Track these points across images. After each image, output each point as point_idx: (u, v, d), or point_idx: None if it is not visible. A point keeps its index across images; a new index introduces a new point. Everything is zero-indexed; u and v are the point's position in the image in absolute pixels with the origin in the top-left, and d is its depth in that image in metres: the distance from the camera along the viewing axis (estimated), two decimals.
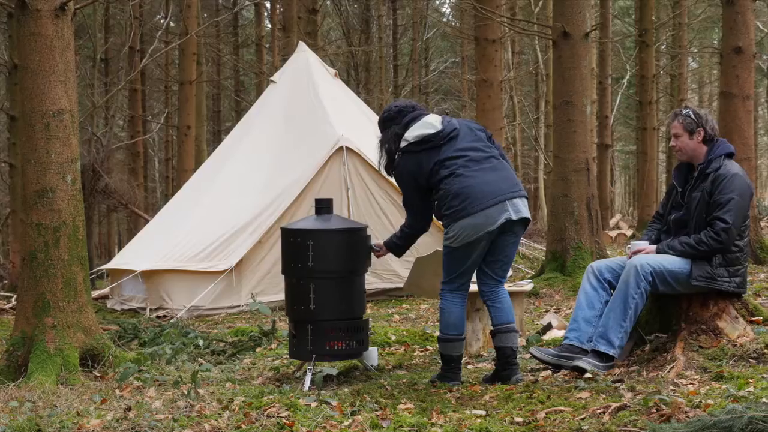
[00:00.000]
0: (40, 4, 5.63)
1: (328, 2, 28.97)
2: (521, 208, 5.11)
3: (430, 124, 5.18)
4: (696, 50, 28.83)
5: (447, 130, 5.17)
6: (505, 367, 5.17)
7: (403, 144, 5.21)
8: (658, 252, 5.20)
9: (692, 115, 5.26)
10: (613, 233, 19.37)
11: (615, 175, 38.17)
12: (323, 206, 5.66)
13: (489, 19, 12.74)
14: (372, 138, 11.53)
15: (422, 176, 5.14)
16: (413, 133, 5.18)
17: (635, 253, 5.27)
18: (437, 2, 31.60)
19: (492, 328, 5.30)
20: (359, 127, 11.36)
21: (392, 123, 5.30)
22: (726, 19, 10.02)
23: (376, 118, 12.80)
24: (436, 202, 5.17)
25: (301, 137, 10.98)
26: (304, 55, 12.08)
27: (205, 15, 26.07)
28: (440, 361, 5.34)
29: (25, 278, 5.75)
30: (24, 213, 5.77)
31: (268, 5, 25.60)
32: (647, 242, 5.37)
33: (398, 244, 5.45)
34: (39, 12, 5.64)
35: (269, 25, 25.24)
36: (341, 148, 10.46)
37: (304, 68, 11.84)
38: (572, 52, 9.39)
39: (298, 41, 13.96)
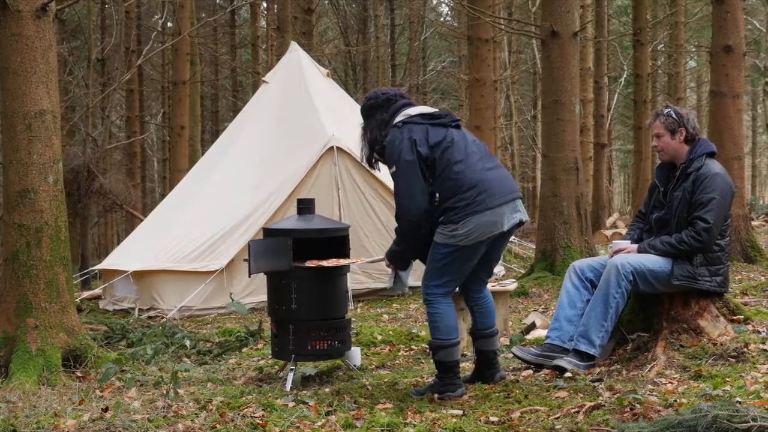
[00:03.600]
0: (21, 4, 5.63)
1: (326, 2, 28.99)
2: (524, 209, 4.96)
3: (430, 109, 4.94)
4: (694, 49, 28.81)
5: (452, 116, 4.93)
6: (489, 368, 5.10)
7: (401, 118, 4.80)
8: (639, 251, 5.20)
9: (673, 115, 5.26)
10: (609, 232, 19.33)
11: (613, 174, 38.17)
12: (305, 206, 5.66)
13: (480, 19, 12.74)
14: None
15: (427, 145, 4.68)
16: (415, 111, 4.85)
17: (617, 252, 5.27)
18: (434, 2, 31.61)
19: (473, 330, 5.16)
20: (351, 127, 11.32)
21: (378, 111, 4.92)
22: (716, 18, 10.02)
23: None
24: (437, 193, 4.68)
25: (292, 137, 10.99)
26: (296, 55, 12.08)
27: (203, 15, 26.09)
28: (436, 371, 4.88)
29: (8, 279, 5.74)
30: (6, 213, 5.76)
31: (264, 5, 25.60)
32: (629, 241, 5.37)
33: (397, 250, 4.87)
34: (20, 13, 5.63)
35: (265, 25, 25.25)
36: (332, 148, 10.47)
37: (296, 68, 11.84)
38: (561, 51, 9.38)
39: (291, 41, 13.96)
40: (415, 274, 10.88)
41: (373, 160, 5.04)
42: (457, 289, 5.06)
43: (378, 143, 4.90)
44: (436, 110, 4.95)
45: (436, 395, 4.75)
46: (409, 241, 4.80)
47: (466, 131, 5.00)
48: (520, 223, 4.91)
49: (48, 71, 5.77)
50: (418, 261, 5.05)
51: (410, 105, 4.96)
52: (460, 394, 4.79)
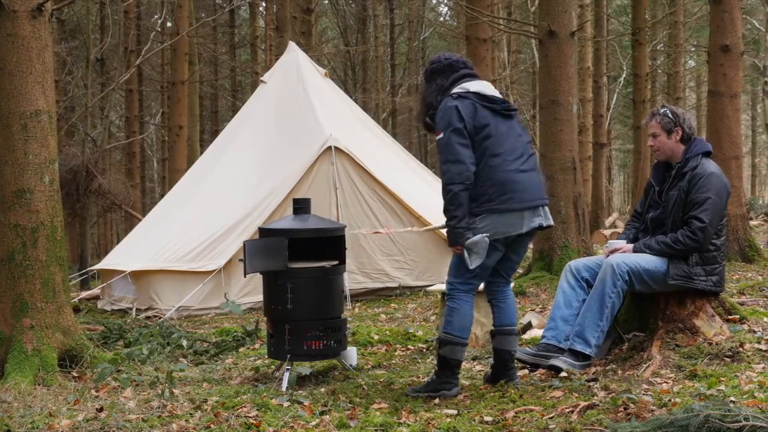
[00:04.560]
0: (17, 4, 5.62)
1: (326, 1, 28.99)
2: (548, 215, 4.92)
3: (492, 89, 4.89)
4: (693, 48, 28.80)
5: (506, 102, 4.88)
6: (505, 371, 4.97)
7: (458, 90, 4.80)
8: (635, 251, 5.21)
9: (670, 115, 5.26)
10: (608, 232, 19.31)
11: (613, 174, 38.14)
12: (301, 206, 5.66)
13: (478, 18, 12.74)
14: (362, 138, 11.62)
15: (473, 123, 4.68)
16: (475, 87, 4.82)
17: (612, 251, 5.28)
18: (434, 2, 31.60)
19: (492, 328, 5.09)
20: (349, 126, 11.37)
21: (439, 76, 4.91)
22: (713, 18, 10.01)
23: (366, 117, 12.89)
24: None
25: (290, 137, 10.99)
26: (294, 55, 12.09)
27: (203, 14, 26.07)
28: (437, 366, 4.91)
29: (4, 279, 5.73)
30: (2, 214, 5.75)
31: (263, 5, 25.59)
32: (624, 241, 5.37)
33: (454, 225, 4.69)
34: (16, 13, 5.63)
35: (263, 25, 25.24)
36: (330, 147, 10.46)
37: (294, 68, 11.85)
38: (558, 51, 9.36)
39: (289, 41, 13.97)
40: (413, 274, 10.94)
41: (427, 125, 4.99)
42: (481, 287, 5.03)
43: (433, 108, 4.87)
44: (494, 93, 4.87)
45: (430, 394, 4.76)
46: (465, 207, 4.67)
47: (516, 123, 4.92)
48: (541, 227, 4.86)
49: (44, 71, 5.76)
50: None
51: (472, 77, 4.91)
52: (455, 393, 4.79)
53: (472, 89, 4.80)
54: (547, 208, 4.90)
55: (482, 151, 4.70)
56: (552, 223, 4.97)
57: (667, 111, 5.31)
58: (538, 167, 4.98)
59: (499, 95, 4.90)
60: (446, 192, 4.69)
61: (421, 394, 4.80)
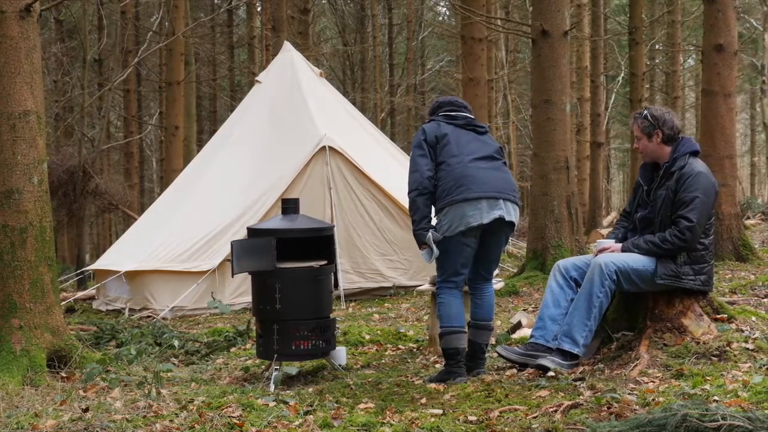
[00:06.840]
0: (5, 5, 5.62)
1: (324, 1, 28.98)
2: (512, 211, 5.18)
3: (457, 111, 5.36)
4: (692, 48, 28.78)
5: (472, 120, 5.34)
6: (471, 359, 5.29)
7: (432, 116, 5.41)
8: (623, 250, 5.20)
9: (649, 118, 5.25)
10: (605, 231, 19.31)
11: (612, 173, 38.12)
12: (289, 206, 5.66)
13: (472, 18, 12.75)
14: (356, 137, 11.61)
15: (434, 134, 5.17)
16: (443, 112, 5.37)
17: (601, 251, 5.27)
18: (432, 2, 31.60)
19: (469, 321, 5.40)
20: (343, 126, 11.37)
21: (430, 114, 5.49)
22: (707, 17, 10.01)
23: (361, 117, 12.89)
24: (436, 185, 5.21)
25: (285, 137, 10.99)
26: (289, 55, 12.09)
27: (202, 15, 26.05)
28: (442, 359, 5.31)
29: None
30: None
31: (260, 5, 25.58)
32: (613, 240, 5.37)
33: (416, 220, 5.15)
34: (4, 14, 5.63)
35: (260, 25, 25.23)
36: (324, 147, 10.46)
37: (289, 68, 11.86)
38: (551, 50, 9.37)
39: (284, 41, 13.97)
40: (407, 274, 10.90)
41: None
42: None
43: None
44: (460, 113, 5.35)
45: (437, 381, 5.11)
46: (422, 211, 5.12)
47: (485, 138, 5.32)
48: (502, 220, 5.10)
49: (32, 72, 5.76)
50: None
51: (452, 111, 5.35)
52: (461, 382, 5.02)
53: (440, 114, 5.35)
54: (512, 205, 5.20)
55: (443, 155, 5.13)
56: (513, 220, 5.22)
57: (647, 114, 5.30)
58: (506, 171, 5.31)
59: (469, 114, 5.37)
60: (408, 200, 5.21)
61: (433, 382, 5.10)
